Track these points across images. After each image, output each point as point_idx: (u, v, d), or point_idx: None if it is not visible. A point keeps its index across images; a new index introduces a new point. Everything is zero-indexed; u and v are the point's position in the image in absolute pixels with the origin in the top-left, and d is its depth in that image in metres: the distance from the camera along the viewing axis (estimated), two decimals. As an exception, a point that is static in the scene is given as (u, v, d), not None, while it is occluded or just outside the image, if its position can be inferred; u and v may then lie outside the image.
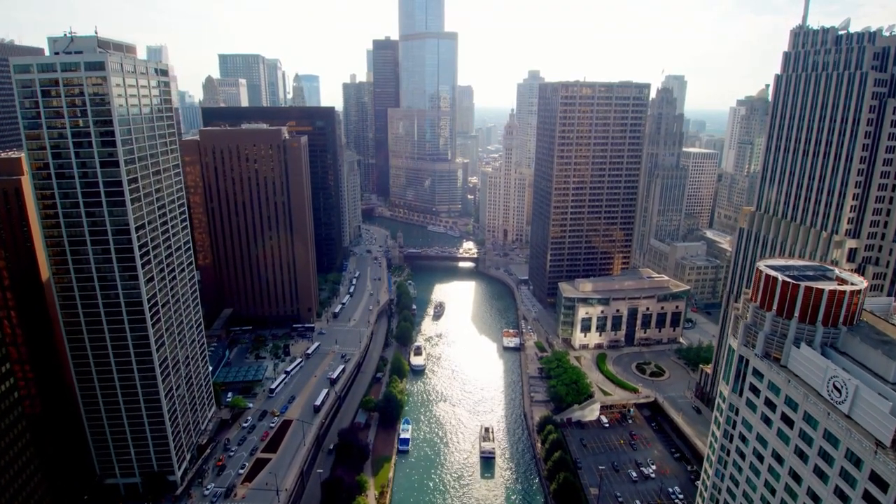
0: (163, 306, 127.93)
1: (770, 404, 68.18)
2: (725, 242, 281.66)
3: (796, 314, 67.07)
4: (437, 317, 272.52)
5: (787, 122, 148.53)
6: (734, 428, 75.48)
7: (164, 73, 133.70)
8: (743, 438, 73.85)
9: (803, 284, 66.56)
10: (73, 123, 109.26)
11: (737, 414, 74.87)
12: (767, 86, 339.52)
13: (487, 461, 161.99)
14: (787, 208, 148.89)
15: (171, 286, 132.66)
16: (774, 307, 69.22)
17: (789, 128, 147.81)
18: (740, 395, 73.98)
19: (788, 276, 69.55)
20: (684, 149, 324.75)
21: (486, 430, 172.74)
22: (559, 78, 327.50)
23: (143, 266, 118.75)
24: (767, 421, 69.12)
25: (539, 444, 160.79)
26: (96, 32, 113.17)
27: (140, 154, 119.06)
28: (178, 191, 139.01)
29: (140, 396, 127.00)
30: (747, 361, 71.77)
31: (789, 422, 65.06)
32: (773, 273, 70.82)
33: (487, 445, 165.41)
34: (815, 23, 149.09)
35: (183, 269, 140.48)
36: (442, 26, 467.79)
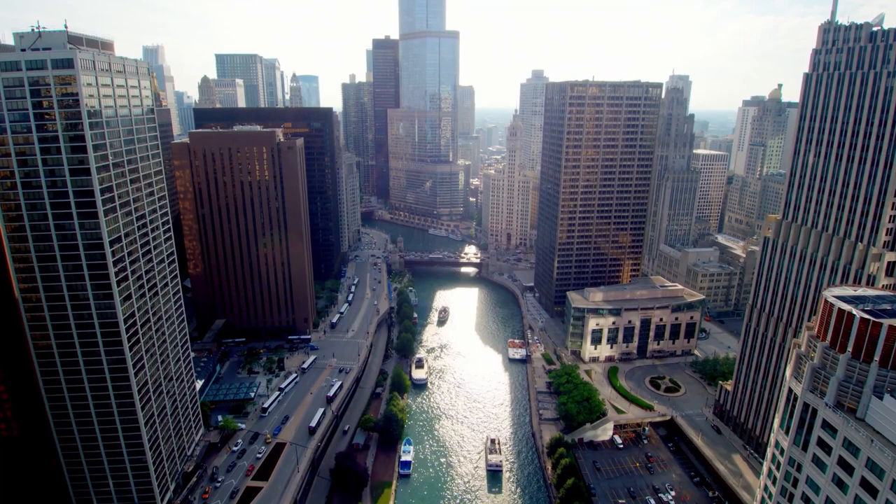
0: (142, 325, 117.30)
1: (845, 466, 57.64)
2: (738, 248, 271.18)
3: (876, 358, 56.56)
4: (441, 322, 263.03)
5: (817, 123, 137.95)
6: (794, 486, 64.78)
7: (146, 71, 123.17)
8: (807, 500, 63.17)
9: (886, 322, 55.93)
10: (40, 127, 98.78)
11: (799, 470, 64.16)
12: (780, 85, 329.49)
13: (494, 474, 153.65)
14: (818, 217, 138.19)
15: (152, 303, 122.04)
16: (849, 348, 58.65)
17: (820, 130, 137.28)
18: (804, 448, 63.28)
19: (866, 312, 58.91)
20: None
21: (493, 441, 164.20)
22: (561, 78, 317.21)
23: (119, 283, 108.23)
24: (841, 485, 58.50)
25: (549, 469, 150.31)
26: (66, 27, 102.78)
27: (116, 160, 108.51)
28: (161, 199, 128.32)
29: (118, 424, 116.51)
30: (814, 411, 61.14)
31: (872, 490, 54.46)
32: (846, 307, 60.04)
33: (494, 458, 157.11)
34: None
35: (166, 284, 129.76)
36: (443, 25, 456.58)
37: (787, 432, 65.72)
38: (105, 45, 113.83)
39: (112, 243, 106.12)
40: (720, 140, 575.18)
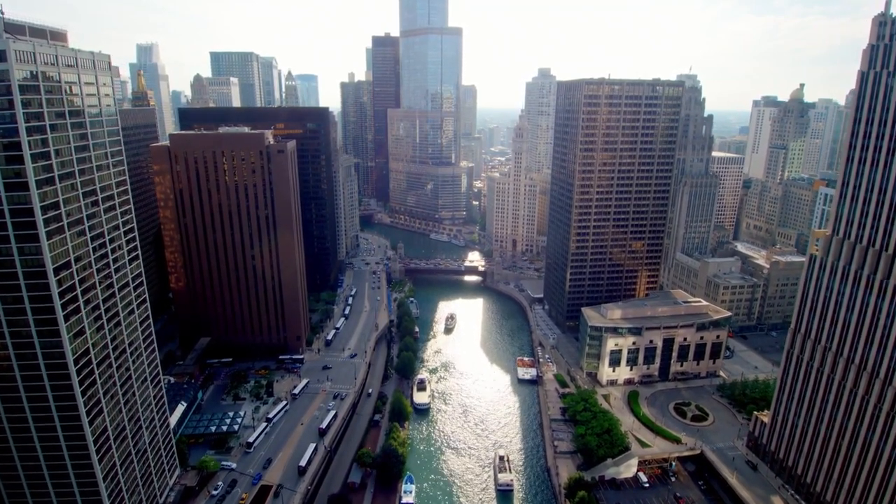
0: (99, 363, 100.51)
1: None
2: (761, 258, 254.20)
3: None
4: (448, 330, 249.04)
5: (875, 128, 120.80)
6: None
7: (107, 65, 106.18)
8: None
9: None
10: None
11: None
12: (802, 85, 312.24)
13: (505, 495, 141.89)
14: (875, 233, 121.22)
15: (112, 335, 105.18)
16: None
17: (878, 136, 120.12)
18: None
19: None
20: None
21: (502, 458, 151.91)
22: (562, 78, 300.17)
23: (67, 316, 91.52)
24: None
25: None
26: (2, 13, 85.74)
27: (64, 171, 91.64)
28: (125, 213, 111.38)
29: (72, 479, 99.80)
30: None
31: None
32: None
33: (504, 477, 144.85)
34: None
35: (131, 312, 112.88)
36: (445, 21, 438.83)
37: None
38: (55, 35, 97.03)
39: (58, 270, 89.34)
40: (727, 141, 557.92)
